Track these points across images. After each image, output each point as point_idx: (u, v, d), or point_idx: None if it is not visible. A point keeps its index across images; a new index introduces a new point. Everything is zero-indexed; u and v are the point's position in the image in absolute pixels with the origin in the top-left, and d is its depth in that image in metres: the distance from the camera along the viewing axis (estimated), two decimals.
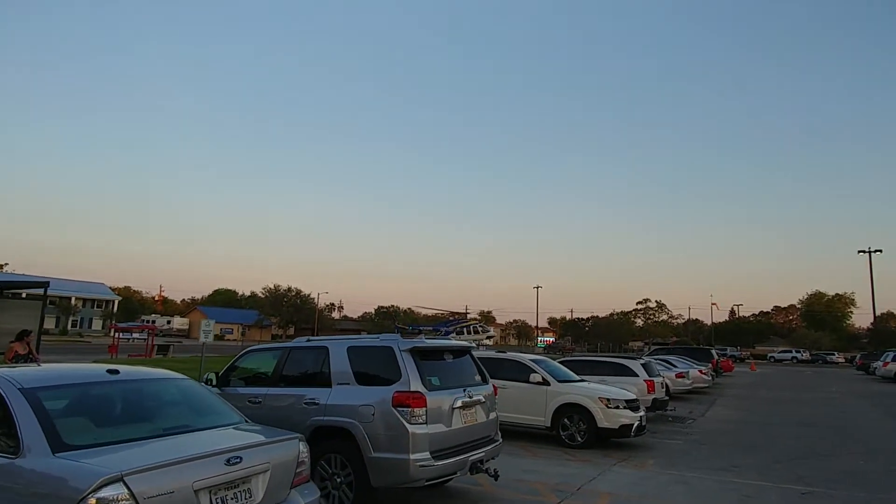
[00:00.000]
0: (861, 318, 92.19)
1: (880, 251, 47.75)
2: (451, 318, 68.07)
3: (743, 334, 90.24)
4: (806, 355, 66.53)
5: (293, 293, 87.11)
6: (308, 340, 6.65)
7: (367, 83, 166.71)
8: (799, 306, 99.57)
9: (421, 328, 56.38)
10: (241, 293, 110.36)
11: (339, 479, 5.46)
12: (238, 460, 3.49)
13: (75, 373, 4.26)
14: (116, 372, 4.22)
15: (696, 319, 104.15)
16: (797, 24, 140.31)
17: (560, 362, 13.48)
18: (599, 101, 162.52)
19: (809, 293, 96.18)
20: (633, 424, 9.65)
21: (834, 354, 66.88)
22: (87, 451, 3.23)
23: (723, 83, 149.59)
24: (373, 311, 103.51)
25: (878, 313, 55.98)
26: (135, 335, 43.27)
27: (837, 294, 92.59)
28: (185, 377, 4.75)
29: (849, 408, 17.85)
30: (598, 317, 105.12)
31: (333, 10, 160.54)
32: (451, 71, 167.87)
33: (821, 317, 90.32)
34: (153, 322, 68.72)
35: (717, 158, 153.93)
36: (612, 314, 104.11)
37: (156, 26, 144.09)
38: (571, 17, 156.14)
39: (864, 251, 48.00)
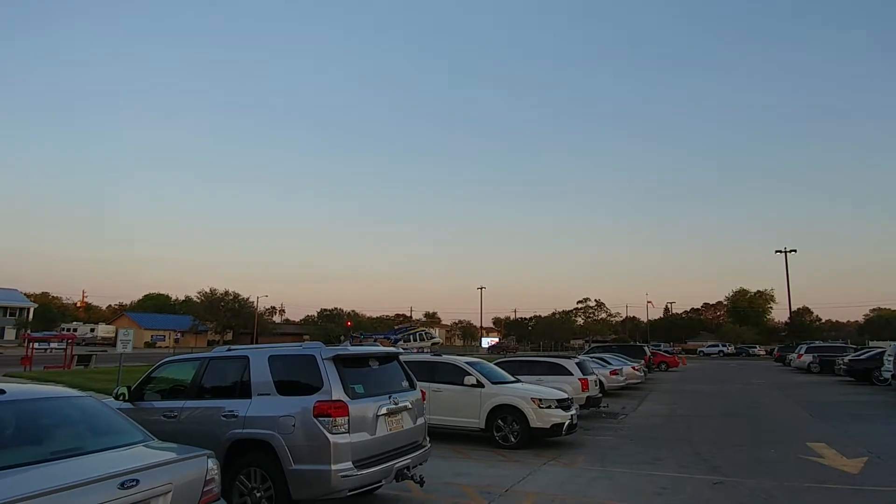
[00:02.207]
0: (780, 313, 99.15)
1: (795, 251, 51.32)
2: (399, 326, 68.44)
3: (676, 330, 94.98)
4: (731, 349, 70.86)
5: (231, 297, 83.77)
6: (229, 350, 6.39)
7: (310, 78, 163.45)
8: (725, 303, 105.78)
9: (375, 336, 56.85)
10: (174, 298, 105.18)
11: (258, 494, 5.26)
12: (134, 483, 3.28)
13: None
14: (2, 392, 3.88)
15: (634, 317, 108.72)
16: (725, 20, 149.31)
17: (497, 363, 13.66)
18: (540, 101, 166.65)
19: (734, 290, 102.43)
20: (564, 423, 9.87)
21: (756, 347, 71.67)
22: None
23: (653, 85, 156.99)
24: (316, 314, 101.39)
25: (794, 308, 60.45)
26: (53, 345, 40.24)
27: (759, 291, 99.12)
28: (84, 394, 4.43)
29: (765, 398, 19.09)
30: (540, 316, 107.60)
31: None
32: (395, 67, 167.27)
33: (744, 312, 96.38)
34: (74, 330, 64.31)
35: (650, 163, 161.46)
36: (553, 313, 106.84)
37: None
38: (501, 16, 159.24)
39: (780, 251, 51.44)
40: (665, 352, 45.08)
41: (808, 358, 33.15)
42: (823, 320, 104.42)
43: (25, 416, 3.84)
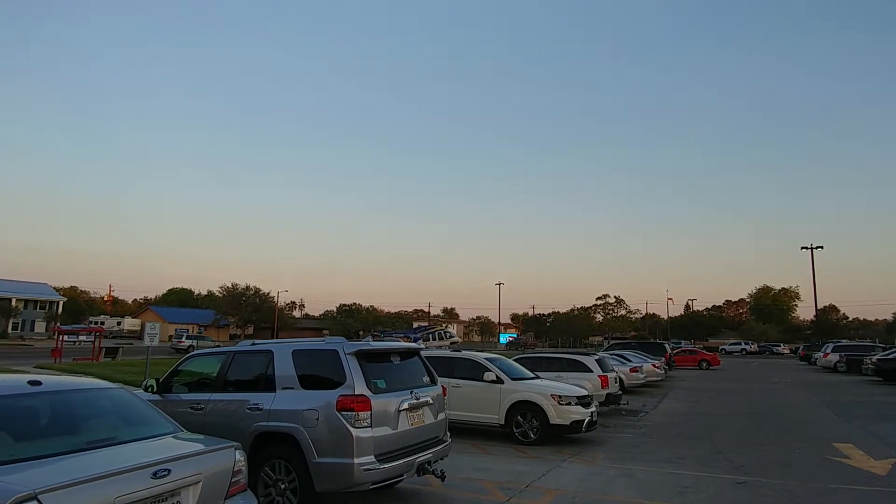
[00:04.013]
0: (805, 311, 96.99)
1: (821, 247, 49.94)
2: (418, 326, 69.69)
3: (697, 328, 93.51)
4: (754, 347, 69.46)
5: (252, 292, 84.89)
6: (253, 344, 6.51)
7: (330, 75, 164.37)
8: (748, 300, 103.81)
9: (395, 334, 57.99)
10: (197, 292, 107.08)
11: (283, 486, 5.37)
12: (166, 473, 3.38)
13: None
14: (38, 383, 4.03)
15: (654, 314, 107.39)
16: (745, 17, 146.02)
17: (516, 359, 13.65)
18: (560, 98, 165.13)
19: (758, 287, 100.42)
20: (584, 420, 9.85)
21: (780, 346, 70.18)
22: (0, 469, 3.07)
23: (675, 80, 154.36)
24: (335, 310, 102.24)
25: (820, 306, 58.96)
26: (81, 337, 41.38)
27: (783, 288, 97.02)
28: (115, 386, 4.56)
29: (790, 398, 18.73)
30: (559, 312, 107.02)
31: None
32: (415, 64, 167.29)
33: (768, 310, 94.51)
34: (101, 323, 65.93)
35: (672, 158, 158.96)
36: (572, 310, 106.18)
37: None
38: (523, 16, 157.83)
39: (806, 247, 50.14)
40: (705, 349, 44.23)
41: (834, 357, 32.41)
42: (850, 318, 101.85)
43: (61, 407, 3.97)
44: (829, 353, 33.15)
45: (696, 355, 37.91)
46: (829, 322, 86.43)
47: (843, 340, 44.17)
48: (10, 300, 75.06)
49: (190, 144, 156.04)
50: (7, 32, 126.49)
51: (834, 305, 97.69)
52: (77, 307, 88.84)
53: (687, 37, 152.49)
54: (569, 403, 9.86)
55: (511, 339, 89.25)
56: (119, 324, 79.41)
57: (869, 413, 14.56)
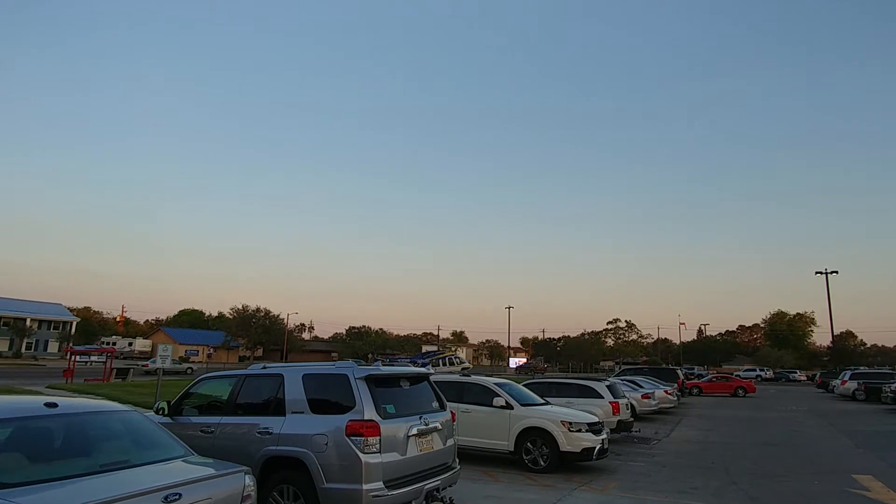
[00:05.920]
0: (821, 337, 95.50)
1: (836, 272, 49.33)
2: (426, 351, 69.47)
3: (710, 353, 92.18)
4: (769, 373, 68.20)
5: (262, 314, 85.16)
6: (264, 368, 6.55)
7: (342, 100, 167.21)
8: (762, 325, 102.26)
9: (400, 360, 57.61)
10: (208, 314, 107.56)
11: None
12: (177, 497, 3.41)
13: (9, 406, 4.09)
14: (55, 405, 4.10)
15: (665, 339, 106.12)
16: (757, 38, 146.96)
17: (526, 385, 13.53)
18: (568, 126, 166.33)
19: (772, 312, 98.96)
20: (595, 447, 9.69)
21: (796, 372, 68.82)
22: (15, 490, 3.13)
23: (685, 107, 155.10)
24: (344, 332, 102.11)
25: (836, 332, 58.01)
26: (93, 358, 41.66)
27: (798, 313, 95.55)
28: (129, 409, 4.62)
29: (807, 427, 18.31)
30: (569, 337, 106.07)
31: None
32: (422, 92, 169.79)
33: (783, 335, 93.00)
34: (113, 344, 66.29)
35: (683, 182, 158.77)
36: (583, 334, 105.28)
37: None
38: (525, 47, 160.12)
39: (821, 272, 49.46)
40: (753, 376, 42.33)
41: (852, 384, 31.74)
42: (868, 345, 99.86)
43: (76, 429, 4.03)
44: (846, 381, 32.48)
45: (732, 382, 35.09)
46: (846, 349, 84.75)
47: (862, 367, 43.31)
48: (24, 320, 75.81)
49: (204, 168, 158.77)
50: (28, 56, 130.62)
51: (851, 331, 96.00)
52: (90, 328, 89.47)
53: (696, 62, 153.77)
54: (579, 430, 9.73)
55: (520, 363, 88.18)
56: (130, 345, 79.77)
57: (889, 443, 14.20)
